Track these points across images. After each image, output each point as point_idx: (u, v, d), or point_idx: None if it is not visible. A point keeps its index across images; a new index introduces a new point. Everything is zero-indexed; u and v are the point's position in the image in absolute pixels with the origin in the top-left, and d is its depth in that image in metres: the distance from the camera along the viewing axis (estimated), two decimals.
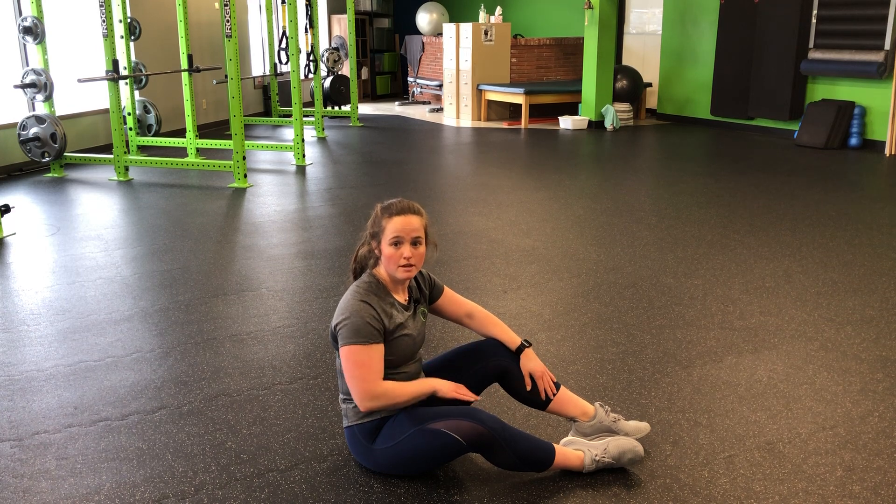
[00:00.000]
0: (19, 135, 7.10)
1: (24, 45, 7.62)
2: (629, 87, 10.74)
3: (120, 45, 7.91)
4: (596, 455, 2.34)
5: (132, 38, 8.60)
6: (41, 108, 7.21)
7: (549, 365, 3.10)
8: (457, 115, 11.73)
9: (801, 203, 6.01)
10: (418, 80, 13.45)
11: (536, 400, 2.48)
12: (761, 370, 3.11)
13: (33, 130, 7.06)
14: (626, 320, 3.65)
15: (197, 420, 2.73)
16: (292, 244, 5.03)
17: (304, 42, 10.51)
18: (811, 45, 8.98)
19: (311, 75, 11.06)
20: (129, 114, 8.26)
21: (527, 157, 8.40)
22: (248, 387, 2.99)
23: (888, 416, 2.73)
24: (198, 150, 8.15)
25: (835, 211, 5.75)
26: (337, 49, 12.32)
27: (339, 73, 12.38)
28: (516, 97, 10.77)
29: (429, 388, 2.31)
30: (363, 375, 2.22)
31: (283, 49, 9.84)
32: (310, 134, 9.92)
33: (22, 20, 6.99)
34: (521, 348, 2.49)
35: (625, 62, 11.78)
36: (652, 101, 11.61)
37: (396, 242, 2.27)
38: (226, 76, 6.92)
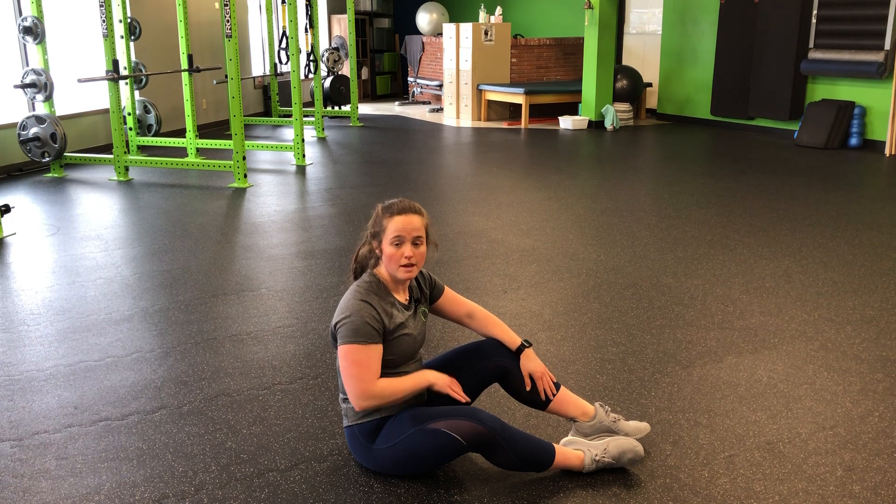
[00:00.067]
0: (19, 135, 7.10)
1: (24, 45, 7.62)
2: (629, 87, 10.74)
3: (120, 45, 7.92)
4: (596, 455, 2.34)
5: (132, 38, 8.60)
6: (41, 108, 7.21)
7: (549, 365, 3.10)
8: (457, 115, 11.72)
9: (801, 203, 6.01)
10: (418, 80, 13.45)
11: (536, 400, 2.48)
12: (761, 370, 3.11)
13: (33, 130, 7.06)
14: (626, 320, 3.65)
15: (197, 420, 2.73)
16: (292, 244, 5.03)
17: (304, 42, 10.51)
18: (811, 45, 8.98)
19: (311, 75, 11.06)
20: (129, 114, 8.26)
21: (527, 157, 8.40)
22: (248, 387, 2.99)
23: (888, 416, 2.73)
24: (198, 150, 8.15)
25: (835, 211, 5.75)
26: (337, 49, 12.32)
27: (339, 73, 12.38)
28: (516, 97, 10.77)
29: (424, 383, 2.31)
30: (360, 375, 2.23)
31: (283, 49, 9.84)
32: (310, 134, 9.92)
33: (22, 20, 6.99)
34: (521, 348, 2.49)
35: (625, 62, 11.78)
36: (652, 101, 11.61)
37: (398, 242, 2.27)
38: (226, 76, 6.92)
